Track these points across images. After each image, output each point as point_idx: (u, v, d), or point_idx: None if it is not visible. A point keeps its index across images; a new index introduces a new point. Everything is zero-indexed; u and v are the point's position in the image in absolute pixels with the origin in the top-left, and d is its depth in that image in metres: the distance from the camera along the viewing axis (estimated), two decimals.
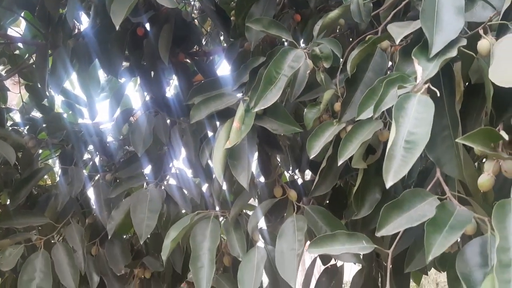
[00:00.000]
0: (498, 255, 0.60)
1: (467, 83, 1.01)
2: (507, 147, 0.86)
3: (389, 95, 0.77)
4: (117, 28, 1.15)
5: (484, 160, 0.88)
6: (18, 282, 1.43)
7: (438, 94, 0.73)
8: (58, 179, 1.88)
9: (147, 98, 1.87)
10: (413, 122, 0.70)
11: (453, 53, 0.76)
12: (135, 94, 2.78)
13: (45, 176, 2.34)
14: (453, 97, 0.83)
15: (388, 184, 0.67)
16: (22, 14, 1.83)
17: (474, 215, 0.71)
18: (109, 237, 1.52)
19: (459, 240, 0.98)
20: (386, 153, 0.68)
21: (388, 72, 1.09)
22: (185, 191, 1.60)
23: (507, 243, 0.60)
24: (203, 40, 2.27)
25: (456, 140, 0.68)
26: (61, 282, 1.50)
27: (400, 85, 0.76)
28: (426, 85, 0.75)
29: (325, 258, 1.52)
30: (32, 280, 1.44)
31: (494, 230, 0.62)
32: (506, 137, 0.68)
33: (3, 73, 2.06)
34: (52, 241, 1.63)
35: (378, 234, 0.76)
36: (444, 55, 0.76)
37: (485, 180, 0.71)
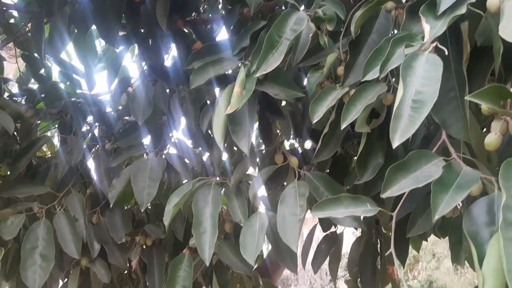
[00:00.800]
0: (504, 213, 0.59)
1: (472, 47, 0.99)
2: None
3: (396, 54, 0.75)
4: None
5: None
6: (22, 251, 1.44)
7: (446, 53, 0.71)
8: (57, 149, 1.86)
9: (145, 67, 1.84)
10: (421, 81, 0.68)
11: (462, 10, 0.73)
12: (132, 65, 2.74)
13: (45, 148, 2.34)
14: (460, 57, 0.82)
15: (395, 144, 0.66)
16: None
17: (481, 175, 0.71)
18: (111, 206, 1.52)
19: (461, 205, 0.98)
20: (393, 113, 0.67)
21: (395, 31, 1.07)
22: (186, 160, 1.60)
23: None
24: (201, 8, 2.23)
25: (465, 98, 0.66)
26: (63, 250, 1.51)
27: (407, 43, 0.74)
28: (434, 44, 0.73)
29: (325, 225, 1.52)
30: (35, 249, 1.45)
31: (501, 188, 0.62)
32: None
33: None
34: (53, 211, 1.63)
35: (384, 195, 0.75)
36: (452, 13, 0.74)
37: (492, 139, 0.70)
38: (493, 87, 0.64)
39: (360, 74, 0.93)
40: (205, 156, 1.80)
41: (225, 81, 1.22)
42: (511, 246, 0.56)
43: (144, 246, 1.66)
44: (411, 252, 1.76)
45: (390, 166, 0.76)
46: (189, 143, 1.71)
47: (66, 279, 1.81)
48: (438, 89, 0.67)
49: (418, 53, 0.71)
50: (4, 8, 1.83)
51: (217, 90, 1.35)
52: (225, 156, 1.53)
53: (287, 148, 1.78)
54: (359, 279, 1.57)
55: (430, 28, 0.73)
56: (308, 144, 1.67)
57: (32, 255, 1.43)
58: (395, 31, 1.09)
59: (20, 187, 1.57)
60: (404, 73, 0.69)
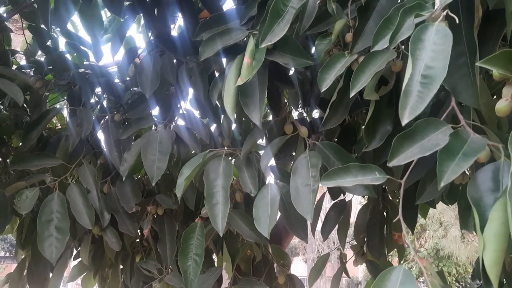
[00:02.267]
0: None
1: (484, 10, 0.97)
2: None
3: (405, 25, 0.74)
4: None
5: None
6: (37, 224, 1.48)
7: (457, 21, 0.70)
8: (67, 121, 1.88)
9: (152, 37, 1.82)
10: (430, 55, 0.67)
11: None
12: (139, 35, 2.72)
13: (54, 120, 2.36)
14: (471, 22, 0.80)
15: (404, 122, 0.66)
16: None
17: (488, 142, 0.71)
18: (124, 179, 1.55)
19: (470, 172, 0.98)
20: (403, 89, 0.66)
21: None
22: (194, 132, 1.61)
23: None
24: None
25: (476, 64, 0.65)
26: (77, 221, 1.55)
27: (417, 13, 0.73)
28: (445, 12, 0.71)
29: (334, 193, 1.54)
30: (50, 221, 1.49)
31: (510, 155, 0.62)
32: None
33: (3, 14, 2.01)
34: (65, 181, 1.66)
35: (390, 164, 0.75)
36: None
37: (503, 105, 0.70)
38: (505, 52, 0.63)
39: (369, 41, 0.93)
40: (213, 127, 1.80)
41: (233, 51, 1.21)
42: None
43: (155, 215, 1.70)
44: (419, 220, 1.77)
45: (397, 135, 0.76)
46: (197, 113, 1.71)
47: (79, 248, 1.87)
48: (448, 64, 0.66)
49: (428, 24, 0.70)
50: None
51: (224, 60, 1.35)
52: (233, 125, 1.53)
53: (300, 113, 1.77)
54: (365, 245, 1.60)
55: None
56: (315, 113, 1.67)
57: (48, 227, 1.47)
58: None
59: (33, 159, 1.59)
60: (413, 47, 0.68)
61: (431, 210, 1.66)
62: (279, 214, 1.30)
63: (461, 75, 0.80)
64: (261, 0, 1.20)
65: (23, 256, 1.98)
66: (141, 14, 1.79)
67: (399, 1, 1.01)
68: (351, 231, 1.72)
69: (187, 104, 1.74)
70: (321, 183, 0.89)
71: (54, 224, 1.49)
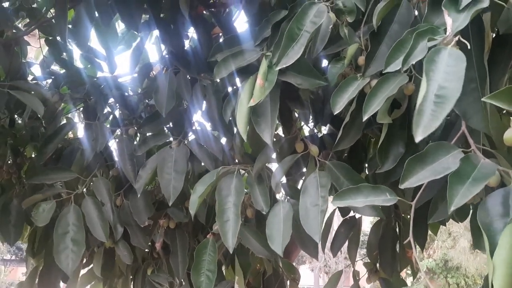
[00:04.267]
0: None
1: (494, 34, 0.99)
2: None
3: (418, 48, 0.77)
4: None
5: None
6: (54, 236, 1.51)
7: (469, 47, 0.72)
8: (80, 132, 1.91)
9: (165, 52, 1.86)
10: (444, 76, 0.69)
11: (485, 3, 0.74)
12: (152, 46, 2.76)
13: None
14: (481, 48, 0.82)
15: (418, 139, 0.68)
16: None
17: (498, 167, 0.72)
18: (138, 195, 1.57)
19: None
20: (416, 108, 0.68)
21: (413, 24, 1.08)
22: (207, 148, 1.62)
23: None
24: None
25: (482, 99, 0.67)
26: (90, 233, 1.57)
27: (430, 37, 0.75)
28: (456, 38, 0.73)
29: (344, 210, 1.55)
30: (67, 234, 1.52)
31: None
32: None
33: (22, 27, 2.06)
34: (80, 193, 1.69)
35: (402, 186, 0.77)
36: (475, 6, 0.75)
37: (511, 135, 0.71)
38: (510, 88, 0.65)
39: (381, 64, 0.95)
40: (223, 140, 1.82)
41: (247, 71, 1.24)
42: None
43: (166, 228, 1.72)
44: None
45: (408, 158, 0.78)
46: (208, 125, 1.73)
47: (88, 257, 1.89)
48: (461, 85, 0.68)
49: (441, 47, 0.72)
50: None
51: (239, 79, 1.37)
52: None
53: (312, 129, 1.79)
54: (378, 262, 1.61)
55: (452, 22, 0.74)
56: (325, 128, 1.68)
57: (64, 239, 1.50)
58: (417, 15, 1.09)
59: (49, 173, 1.63)
60: (428, 68, 0.70)
61: None
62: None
63: (471, 100, 0.82)
64: (275, 22, 1.23)
65: (34, 265, 2.01)
66: (157, 30, 1.82)
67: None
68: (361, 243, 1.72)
69: (199, 116, 1.77)
70: (332, 203, 0.91)
71: (70, 236, 1.52)
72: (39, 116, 1.88)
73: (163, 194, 1.49)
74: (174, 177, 1.47)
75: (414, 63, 0.82)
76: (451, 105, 0.68)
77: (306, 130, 2.04)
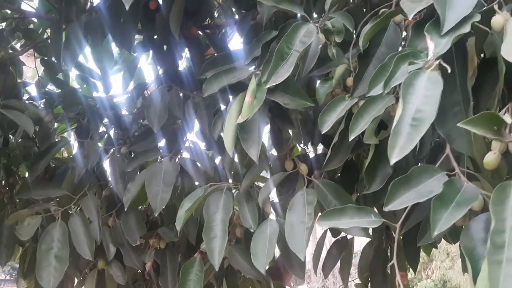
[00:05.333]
0: (493, 237, 0.61)
1: (482, 56, 1.00)
2: None
3: (399, 71, 0.77)
4: (127, 7, 1.15)
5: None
6: (37, 251, 1.49)
7: (450, 71, 0.73)
8: (74, 152, 1.92)
9: (160, 71, 1.87)
10: (422, 99, 0.70)
11: (466, 29, 0.75)
12: (147, 66, 2.79)
13: (62, 149, 2.40)
14: (465, 72, 0.83)
15: (393, 161, 0.68)
16: None
17: (481, 192, 0.72)
18: (126, 209, 1.57)
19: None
20: (392, 129, 0.69)
21: (402, 46, 1.09)
22: (199, 164, 1.63)
23: (503, 225, 0.61)
24: (215, 12, 2.26)
25: (458, 125, 0.68)
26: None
27: (411, 61, 0.75)
28: (437, 62, 0.74)
29: (335, 231, 1.54)
30: (50, 250, 1.50)
31: (490, 211, 0.63)
32: (509, 121, 0.67)
33: (18, 47, 2.08)
34: (70, 212, 1.68)
35: (386, 208, 0.77)
36: (457, 31, 0.75)
37: (491, 159, 0.72)
38: (486, 114, 0.66)
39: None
40: (218, 159, 1.83)
41: (238, 88, 1.25)
42: (497, 269, 0.58)
43: (158, 247, 1.70)
44: None
45: (393, 181, 0.78)
46: (202, 145, 1.74)
47: (81, 278, 1.87)
48: (437, 108, 0.68)
49: (420, 71, 0.72)
50: (23, 16, 1.88)
51: (230, 96, 1.38)
52: (236, 159, 1.55)
53: (303, 148, 1.79)
54: (369, 284, 1.59)
55: (434, 46, 0.75)
56: (320, 146, 1.69)
57: (47, 256, 1.48)
58: (406, 35, 1.11)
59: (38, 189, 1.63)
60: (405, 91, 0.71)
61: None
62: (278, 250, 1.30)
63: (455, 123, 0.81)
64: (265, 42, 1.25)
65: (25, 286, 1.98)
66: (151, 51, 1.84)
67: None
68: (356, 261, 1.71)
69: (193, 135, 1.77)
70: (317, 223, 0.90)
71: (54, 253, 1.50)
72: (33, 135, 1.89)
73: (155, 214, 1.49)
74: (162, 189, 1.47)
75: (398, 85, 0.83)
76: (426, 128, 0.68)
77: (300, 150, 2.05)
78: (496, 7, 0.78)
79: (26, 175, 1.99)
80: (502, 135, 0.69)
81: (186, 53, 2.11)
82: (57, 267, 1.47)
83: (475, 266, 0.65)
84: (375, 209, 1.39)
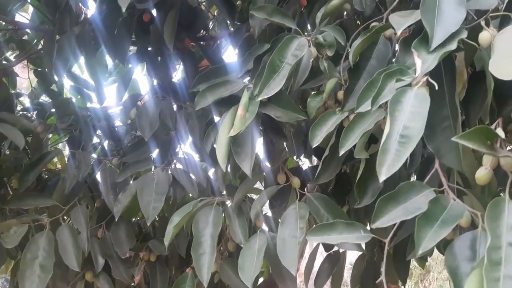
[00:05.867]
0: (489, 254, 0.60)
1: (472, 70, 1.00)
2: (508, 138, 0.86)
3: (387, 88, 0.77)
4: (123, 10, 1.15)
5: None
6: (22, 261, 1.46)
7: (437, 87, 0.73)
8: (66, 163, 1.90)
9: (155, 82, 1.87)
10: (409, 116, 0.69)
11: (453, 45, 0.75)
12: (142, 78, 2.79)
13: (55, 160, 2.39)
14: (454, 87, 0.83)
15: (382, 178, 0.68)
16: (29, 0, 1.83)
17: (468, 209, 0.71)
18: (116, 220, 1.55)
19: None
20: (380, 147, 0.68)
21: (394, 59, 1.09)
22: (192, 175, 1.62)
23: (499, 241, 0.60)
24: (210, 24, 2.26)
25: (452, 139, 0.67)
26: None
27: (398, 78, 0.75)
28: (425, 78, 0.74)
29: (327, 245, 1.53)
30: (35, 259, 1.47)
31: (486, 228, 0.63)
32: (502, 135, 0.67)
33: (11, 58, 2.08)
34: (59, 222, 1.66)
35: (373, 225, 0.76)
36: (444, 48, 0.75)
37: (482, 174, 0.71)
38: (479, 128, 0.65)
39: None
40: (211, 171, 1.82)
41: (231, 101, 1.24)
42: (496, 286, 0.57)
43: (148, 260, 1.68)
44: None
45: (380, 197, 0.77)
46: (196, 156, 1.73)
47: None
48: (424, 125, 0.68)
49: (407, 88, 0.72)
50: (17, 27, 1.88)
51: (220, 110, 1.38)
52: (230, 171, 1.54)
53: (297, 160, 1.78)
54: None
55: (422, 63, 0.75)
56: (315, 159, 1.68)
57: (31, 265, 1.45)
58: (397, 49, 1.11)
59: (27, 199, 1.61)
60: (392, 108, 0.71)
61: (435, 251, 1.64)
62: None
63: (444, 138, 0.81)
64: (258, 55, 1.25)
65: None
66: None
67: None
68: (348, 274, 1.70)
69: (187, 147, 1.77)
70: (307, 238, 0.90)
71: (38, 262, 1.46)
72: (25, 146, 1.88)
73: (147, 223, 1.47)
74: (154, 198, 1.46)
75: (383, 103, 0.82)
76: (414, 145, 0.67)
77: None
78: (483, 23, 0.78)
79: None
80: (495, 150, 0.69)
81: (180, 64, 2.11)
82: (41, 276, 1.44)
83: (458, 285, 0.65)
84: (367, 223, 1.39)
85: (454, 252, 0.68)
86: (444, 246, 1.34)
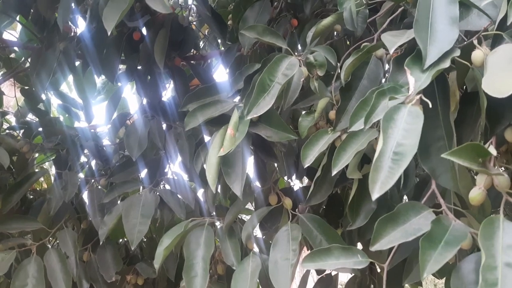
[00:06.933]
0: (484, 274, 0.58)
1: (464, 89, 0.99)
2: (501, 158, 0.85)
3: (380, 106, 0.76)
4: (109, 33, 1.13)
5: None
6: None
7: (431, 105, 0.71)
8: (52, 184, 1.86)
9: (144, 101, 1.85)
10: (402, 133, 0.68)
11: (446, 64, 0.74)
12: (132, 96, 2.77)
13: (41, 179, 2.33)
14: (447, 107, 0.82)
15: (374, 196, 0.65)
16: (18, 18, 1.81)
17: (470, 230, 0.69)
18: (101, 243, 1.51)
19: None
20: (373, 164, 0.66)
21: (384, 79, 1.08)
22: (180, 196, 1.59)
23: (494, 261, 0.59)
24: (201, 43, 2.26)
25: (442, 156, 0.66)
26: None
27: (391, 96, 0.74)
28: (418, 96, 0.73)
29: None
30: (24, 286, 1.43)
31: (480, 247, 0.61)
32: (494, 152, 0.66)
33: None
34: (48, 245, 1.62)
35: (372, 248, 0.74)
36: (437, 66, 0.75)
37: (476, 194, 0.69)
38: (471, 145, 0.64)
39: None
40: (200, 192, 1.79)
41: (221, 120, 1.22)
42: None
43: (135, 284, 1.64)
44: None
45: (379, 219, 0.75)
46: (186, 177, 1.70)
47: None
48: (418, 141, 0.66)
49: (401, 105, 0.71)
50: (4, 45, 1.85)
51: (210, 130, 1.36)
52: (221, 191, 1.51)
53: (289, 181, 1.76)
54: None
55: (414, 81, 0.74)
56: (306, 178, 1.66)
57: None
58: (388, 68, 1.10)
59: (11, 222, 1.56)
60: (386, 125, 0.69)
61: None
62: None
63: (439, 158, 0.80)
64: (248, 75, 1.24)
65: None
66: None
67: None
68: None
69: (176, 167, 1.74)
70: (302, 265, 0.86)
71: None
72: (10, 165, 1.83)
73: (132, 247, 1.43)
74: (140, 221, 1.41)
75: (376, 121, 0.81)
76: (407, 162, 0.65)
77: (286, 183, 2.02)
78: (475, 42, 0.77)
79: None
80: (487, 168, 0.67)
81: (170, 83, 2.10)
82: None
83: None
84: (361, 245, 1.36)
85: (461, 276, 0.66)
86: (439, 270, 1.32)
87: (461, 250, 0.77)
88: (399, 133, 0.68)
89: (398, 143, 0.67)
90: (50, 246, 1.58)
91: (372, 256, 0.85)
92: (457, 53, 0.76)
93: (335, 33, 1.53)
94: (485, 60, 0.73)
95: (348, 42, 1.58)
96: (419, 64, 0.76)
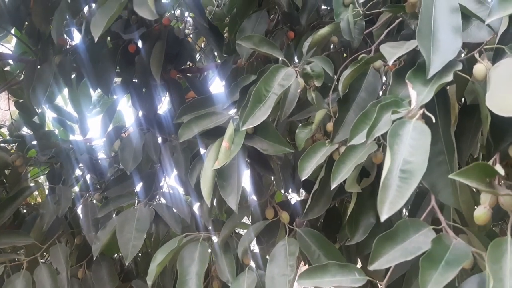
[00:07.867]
0: None
1: (462, 102, 0.98)
2: (504, 177, 0.83)
3: (382, 120, 0.73)
4: (96, 40, 1.12)
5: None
6: None
7: (434, 121, 0.69)
8: (45, 199, 1.83)
9: (140, 114, 1.83)
10: (409, 150, 0.65)
11: (449, 77, 0.72)
12: (128, 109, 2.75)
13: (36, 193, 2.30)
14: (448, 121, 0.80)
15: (383, 217, 0.62)
16: (12, 31, 1.80)
17: (472, 249, 0.67)
18: (94, 259, 1.47)
19: None
20: (381, 183, 0.64)
21: (381, 92, 1.07)
22: (175, 210, 1.56)
23: (501, 285, 0.56)
24: (197, 56, 2.25)
25: (449, 176, 0.63)
26: None
27: (394, 110, 0.72)
28: (421, 111, 0.71)
29: None
30: None
31: (487, 270, 0.58)
32: (502, 172, 0.64)
33: None
34: (41, 261, 1.58)
35: (371, 268, 0.71)
36: (439, 80, 0.73)
37: (481, 213, 0.67)
38: (478, 165, 0.62)
39: (349, 131, 0.92)
40: (196, 206, 1.76)
41: (216, 132, 1.20)
42: None
43: None
44: None
45: (377, 237, 0.72)
46: (181, 190, 1.67)
47: None
48: (427, 159, 0.64)
49: (405, 120, 0.69)
50: None
51: (205, 142, 1.34)
52: (216, 205, 1.49)
53: (285, 194, 1.74)
54: None
55: (417, 95, 0.72)
56: (302, 193, 1.63)
57: None
58: (385, 80, 1.09)
59: (3, 237, 1.52)
60: (392, 141, 0.66)
61: None
62: None
63: (440, 173, 0.78)
64: (244, 86, 1.22)
65: None
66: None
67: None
68: None
69: (172, 180, 1.71)
70: (298, 282, 0.84)
71: None
72: (3, 180, 1.81)
73: (126, 263, 1.40)
74: (134, 235, 1.38)
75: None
76: (417, 180, 0.63)
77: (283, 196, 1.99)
78: (477, 55, 0.76)
79: None
80: (494, 188, 0.65)
81: (166, 96, 2.08)
82: None
83: None
84: (359, 261, 1.33)
85: None
86: None
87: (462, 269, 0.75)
88: (406, 149, 0.65)
89: (405, 160, 0.65)
90: (42, 262, 1.54)
91: (370, 273, 0.82)
92: (459, 66, 0.74)
93: (331, 45, 1.52)
94: (488, 75, 0.71)
95: (345, 54, 1.57)
96: (421, 77, 0.74)
